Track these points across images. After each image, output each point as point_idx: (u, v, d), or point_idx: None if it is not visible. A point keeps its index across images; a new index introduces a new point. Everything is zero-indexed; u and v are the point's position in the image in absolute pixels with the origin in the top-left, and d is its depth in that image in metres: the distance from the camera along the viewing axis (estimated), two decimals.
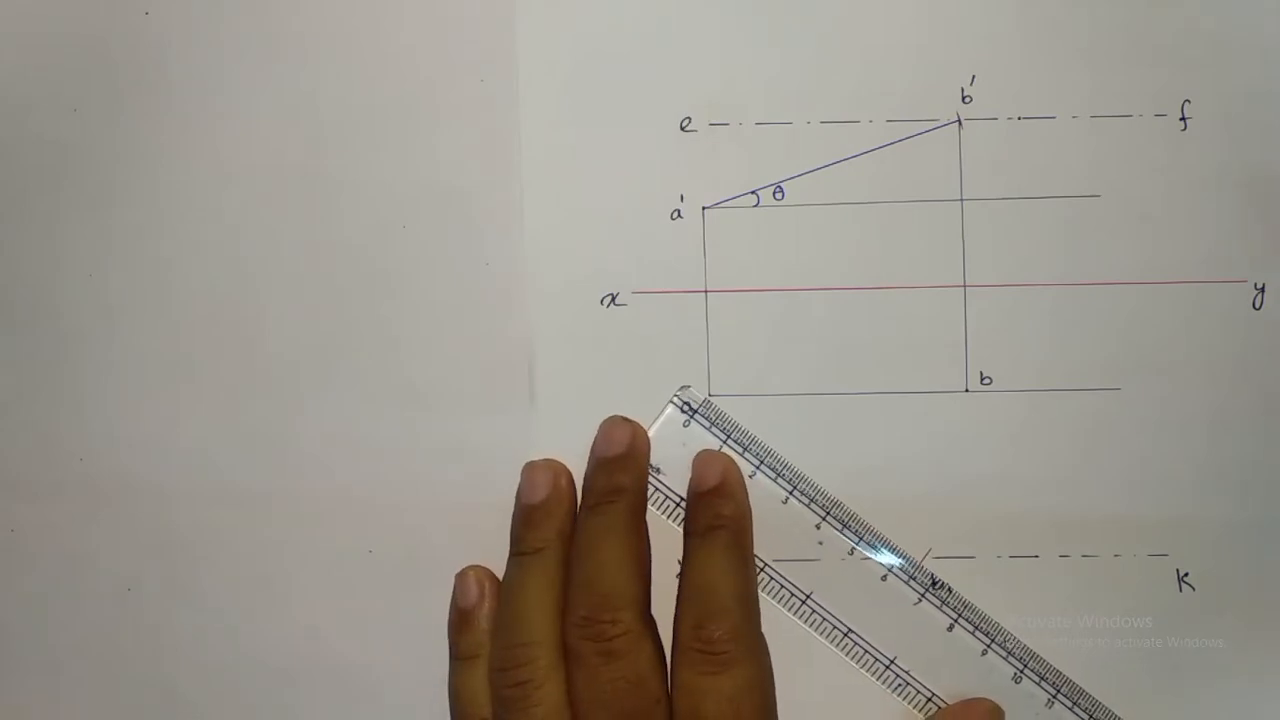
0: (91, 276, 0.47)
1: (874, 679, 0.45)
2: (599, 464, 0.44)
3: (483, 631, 0.44)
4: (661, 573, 0.44)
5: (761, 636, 0.43)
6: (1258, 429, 0.44)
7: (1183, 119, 0.44)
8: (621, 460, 0.43)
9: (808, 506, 0.45)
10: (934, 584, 0.45)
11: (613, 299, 0.46)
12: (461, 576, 0.45)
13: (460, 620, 0.44)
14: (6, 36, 0.47)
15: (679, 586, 0.43)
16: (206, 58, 0.46)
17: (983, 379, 0.45)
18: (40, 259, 0.47)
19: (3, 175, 0.47)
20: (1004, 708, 0.44)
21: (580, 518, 0.44)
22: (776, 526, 0.45)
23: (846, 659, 0.45)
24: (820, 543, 0.45)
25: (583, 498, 0.44)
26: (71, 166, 0.47)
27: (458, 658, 0.44)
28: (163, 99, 0.46)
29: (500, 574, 0.45)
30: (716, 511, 0.43)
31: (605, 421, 0.45)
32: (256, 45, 0.46)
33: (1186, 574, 0.45)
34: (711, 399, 0.45)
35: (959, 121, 0.45)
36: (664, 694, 0.42)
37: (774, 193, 0.45)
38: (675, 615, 0.43)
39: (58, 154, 0.47)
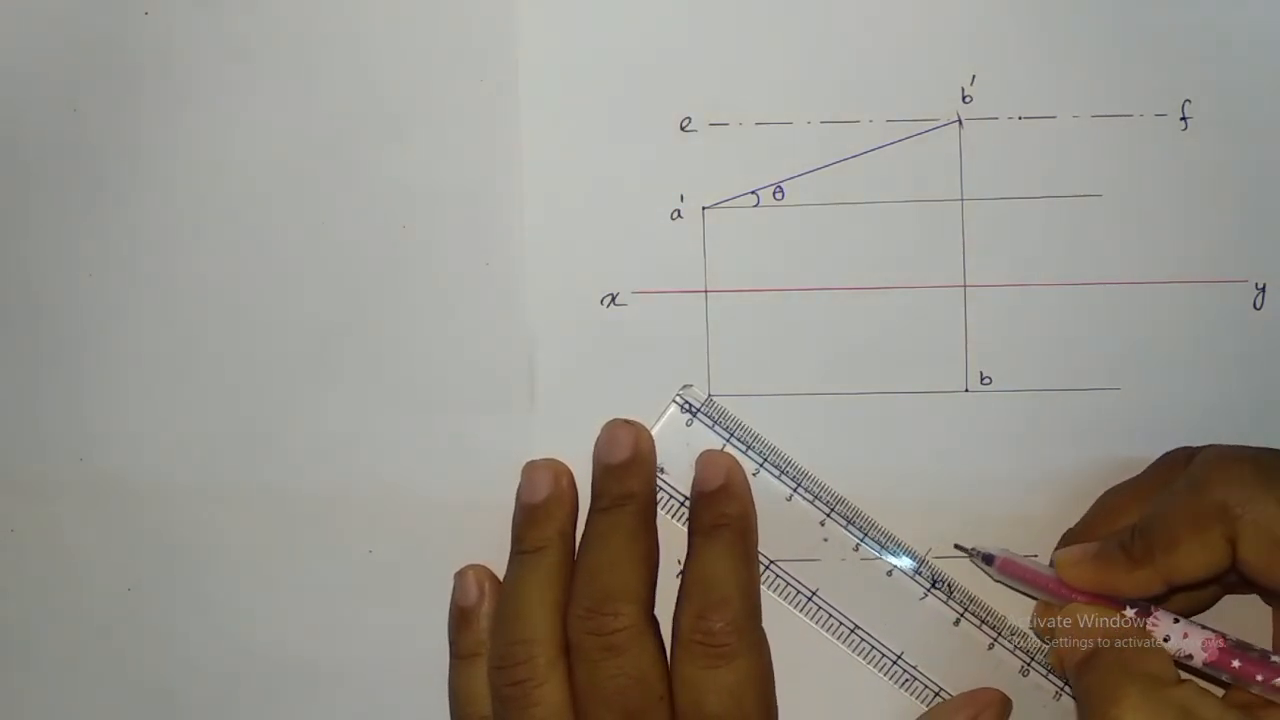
0: (91, 276, 0.47)
1: (881, 674, 0.45)
2: (607, 470, 0.44)
3: (482, 630, 0.44)
4: (662, 572, 0.44)
5: (762, 631, 0.43)
6: (1258, 429, 0.44)
7: (1183, 118, 0.44)
8: (629, 465, 0.44)
9: (811, 504, 0.45)
10: (936, 580, 0.45)
11: (613, 299, 0.46)
12: (461, 576, 0.45)
13: (460, 619, 0.45)
14: (6, 36, 0.47)
15: (681, 582, 0.43)
16: (206, 57, 0.46)
17: (983, 379, 0.45)
18: (40, 259, 0.47)
19: (3, 175, 0.47)
20: (1012, 700, 0.44)
21: (589, 517, 0.44)
22: (781, 524, 0.45)
23: (853, 655, 0.45)
24: (825, 540, 0.45)
25: (593, 501, 0.44)
26: (71, 166, 0.47)
27: (457, 656, 0.45)
28: (163, 99, 0.46)
29: (500, 574, 0.45)
30: (721, 511, 0.43)
31: (608, 425, 0.45)
32: (256, 45, 0.46)
33: None
34: (712, 399, 0.45)
35: (959, 121, 0.45)
36: (666, 691, 0.42)
37: (774, 193, 0.45)
38: (676, 609, 0.43)
39: (57, 154, 0.47)
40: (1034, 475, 0.45)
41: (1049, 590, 0.42)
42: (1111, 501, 0.43)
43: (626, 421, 0.45)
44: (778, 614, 0.44)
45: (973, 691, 0.44)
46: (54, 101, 0.47)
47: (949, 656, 0.45)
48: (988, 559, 0.43)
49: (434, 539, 0.46)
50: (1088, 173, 0.45)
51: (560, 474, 0.45)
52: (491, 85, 0.46)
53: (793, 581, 0.45)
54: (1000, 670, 0.44)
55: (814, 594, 0.45)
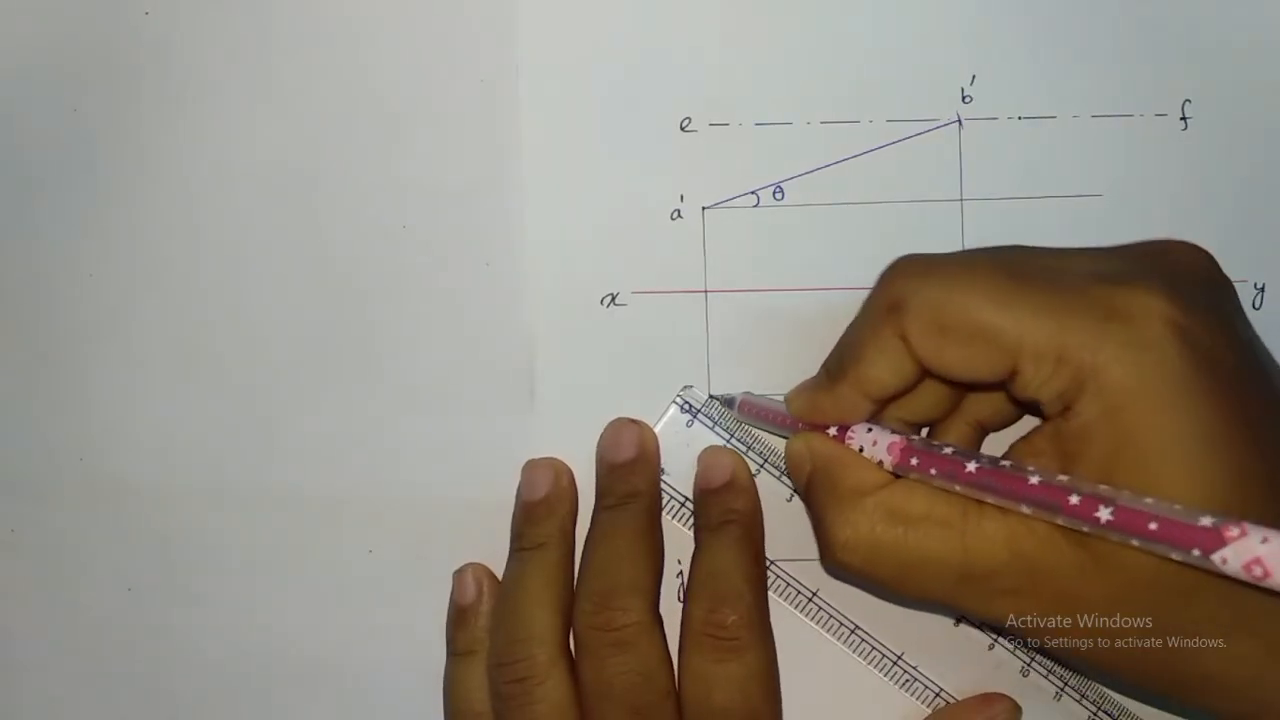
0: (92, 276, 0.47)
1: (881, 675, 0.45)
2: (612, 469, 0.44)
3: (480, 628, 0.44)
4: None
5: (769, 626, 0.43)
6: None
7: (1183, 118, 0.44)
8: (634, 464, 0.44)
9: None
10: None
11: (613, 299, 0.46)
12: (460, 574, 0.45)
13: (458, 617, 0.45)
14: (6, 36, 0.47)
15: (690, 577, 0.43)
16: (206, 57, 0.46)
17: None
18: (40, 259, 0.47)
19: (2, 175, 0.47)
20: (1021, 707, 0.44)
21: (594, 516, 0.44)
22: (782, 524, 0.45)
23: (854, 655, 0.45)
24: None
25: (598, 500, 0.44)
26: (71, 166, 0.47)
27: (455, 653, 0.45)
28: (163, 99, 0.46)
29: (499, 575, 0.45)
30: (729, 506, 0.43)
31: (612, 423, 0.45)
32: (257, 45, 0.46)
33: None
34: (713, 399, 0.45)
35: (959, 121, 0.45)
36: (672, 688, 0.42)
37: (774, 193, 0.45)
38: (685, 603, 0.43)
39: (57, 154, 0.47)
40: None
41: (783, 425, 0.42)
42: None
43: (631, 420, 0.45)
44: (779, 614, 0.44)
45: (985, 695, 0.44)
46: (54, 101, 0.47)
47: (949, 657, 0.45)
48: (729, 402, 0.44)
49: (434, 539, 0.46)
50: (1087, 173, 0.45)
51: (560, 472, 0.45)
52: (491, 85, 0.46)
53: (793, 581, 0.45)
54: (1000, 671, 0.44)
55: (815, 594, 0.45)
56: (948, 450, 0.38)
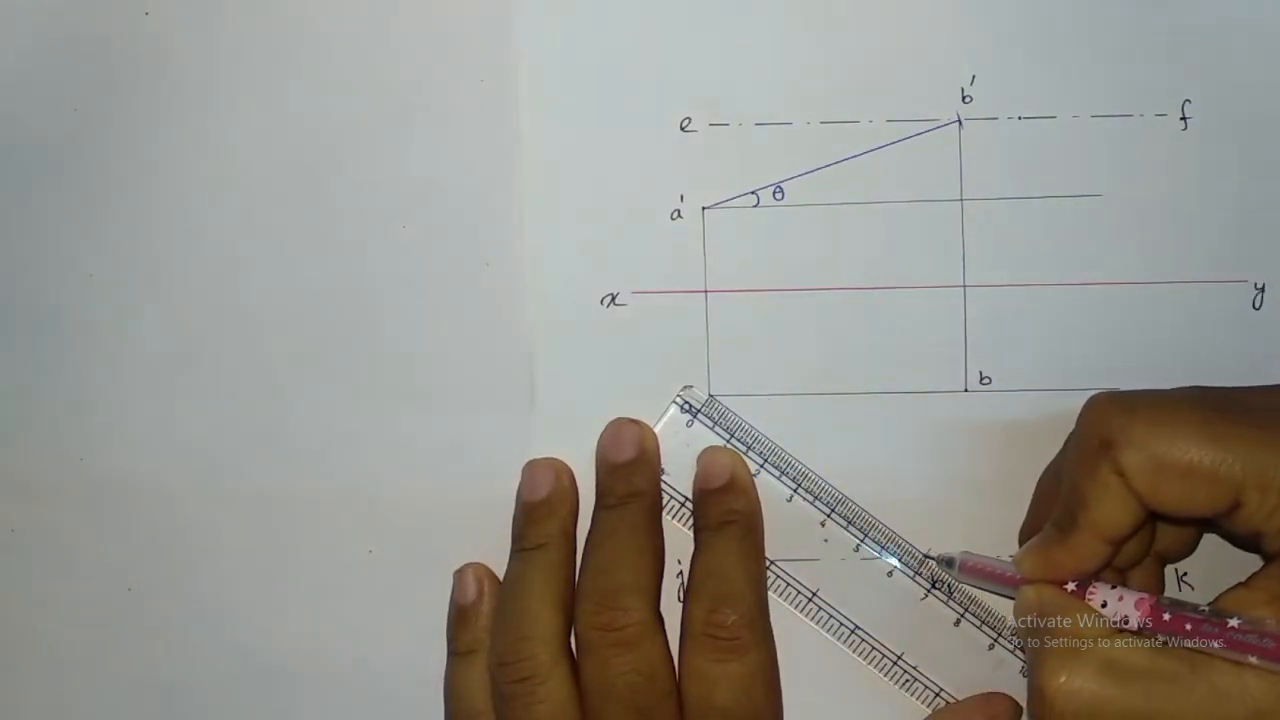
0: (92, 276, 0.47)
1: (881, 675, 0.45)
2: (613, 469, 0.44)
3: (481, 628, 0.44)
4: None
5: (769, 626, 0.43)
6: None
7: (1183, 119, 0.44)
8: (635, 464, 0.44)
9: (812, 504, 0.45)
10: (936, 581, 0.45)
11: (613, 299, 0.46)
12: (460, 574, 0.45)
13: (459, 617, 0.45)
14: (6, 36, 0.47)
15: (690, 577, 0.43)
16: (206, 58, 0.46)
17: (982, 379, 0.45)
18: (40, 259, 0.47)
19: (2, 175, 0.47)
20: (1021, 706, 0.44)
21: (596, 515, 0.44)
22: (781, 525, 0.45)
23: (854, 655, 0.45)
24: (825, 540, 0.45)
25: (599, 500, 0.44)
26: (71, 166, 0.47)
27: (455, 653, 0.45)
28: (162, 99, 0.46)
29: (500, 575, 0.45)
30: (729, 507, 0.43)
31: (613, 423, 0.45)
32: (256, 45, 0.46)
33: (1185, 574, 0.45)
34: (713, 399, 0.45)
35: (959, 121, 0.45)
36: (674, 687, 0.42)
37: (774, 193, 0.45)
38: (685, 603, 0.43)
39: (58, 154, 0.47)
40: (1033, 475, 0.44)
41: (1012, 584, 0.42)
42: (1044, 485, 0.43)
43: (631, 420, 0.45)
44: (778, 614, 0.45)
45: (986, 695, 0.44)
46: (54, 101, 0.47)
47: (949, 657, 0.45)
48: (948, 562, 0.44)
49: (434, 539, 0.46)
50: (1087, 173, 0.45)
51: (561, 472, 0.45)
52: (491, 85, 0.46)
53: (793, 582, 0.45)
54: (1001, 670, 0.45)
55: (814, 594, 0.45)
56: (1204, 608, 0.38)
